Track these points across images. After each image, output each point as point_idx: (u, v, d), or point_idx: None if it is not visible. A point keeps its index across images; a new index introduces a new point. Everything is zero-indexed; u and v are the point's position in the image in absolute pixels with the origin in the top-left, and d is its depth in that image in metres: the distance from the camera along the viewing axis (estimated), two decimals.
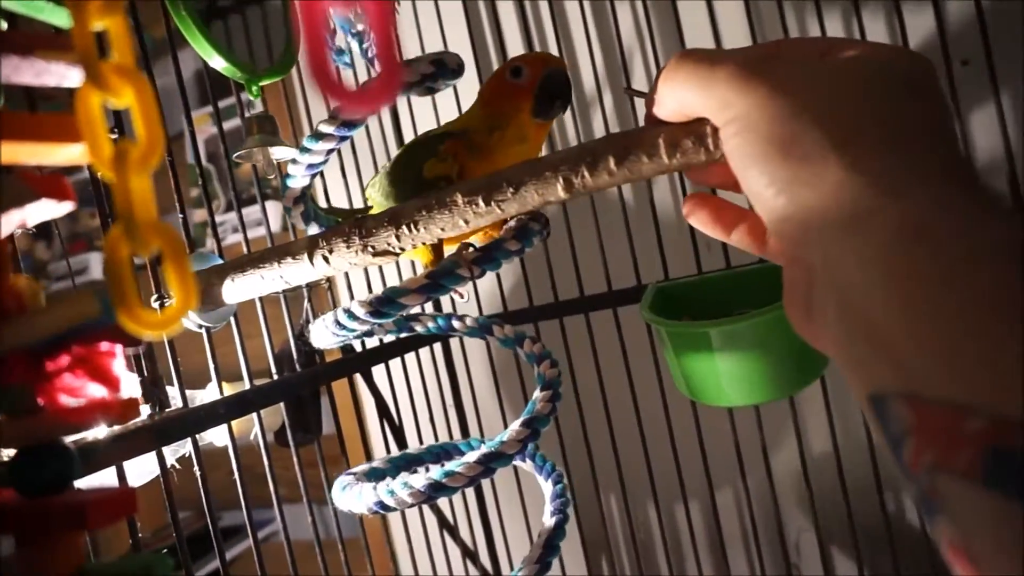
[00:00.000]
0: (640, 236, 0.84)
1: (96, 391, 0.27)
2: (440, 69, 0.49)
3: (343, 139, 0.48)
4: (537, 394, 0.54)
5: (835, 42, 0.31)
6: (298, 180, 0.52)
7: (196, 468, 0.54)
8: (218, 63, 0.46)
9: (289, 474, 0.68)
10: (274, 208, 1.24)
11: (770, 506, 0.85)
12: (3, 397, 0.27)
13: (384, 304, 0.48)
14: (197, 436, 0.54)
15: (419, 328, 0.67)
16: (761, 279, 0.76)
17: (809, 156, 0.27)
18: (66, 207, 0.27)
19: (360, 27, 0.49)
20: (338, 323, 0.51)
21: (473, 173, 0.51)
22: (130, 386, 0.28)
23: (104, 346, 0.27)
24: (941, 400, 0.20)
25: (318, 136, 0.47)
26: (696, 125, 0.41)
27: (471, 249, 0.49)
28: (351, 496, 0.56)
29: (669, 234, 0.83)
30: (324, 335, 0.54)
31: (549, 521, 0.61)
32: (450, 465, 0.53)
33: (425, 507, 0.95)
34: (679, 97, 0.35)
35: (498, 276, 0.93)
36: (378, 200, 0.56)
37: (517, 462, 0.70)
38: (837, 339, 0.26)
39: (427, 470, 0.62)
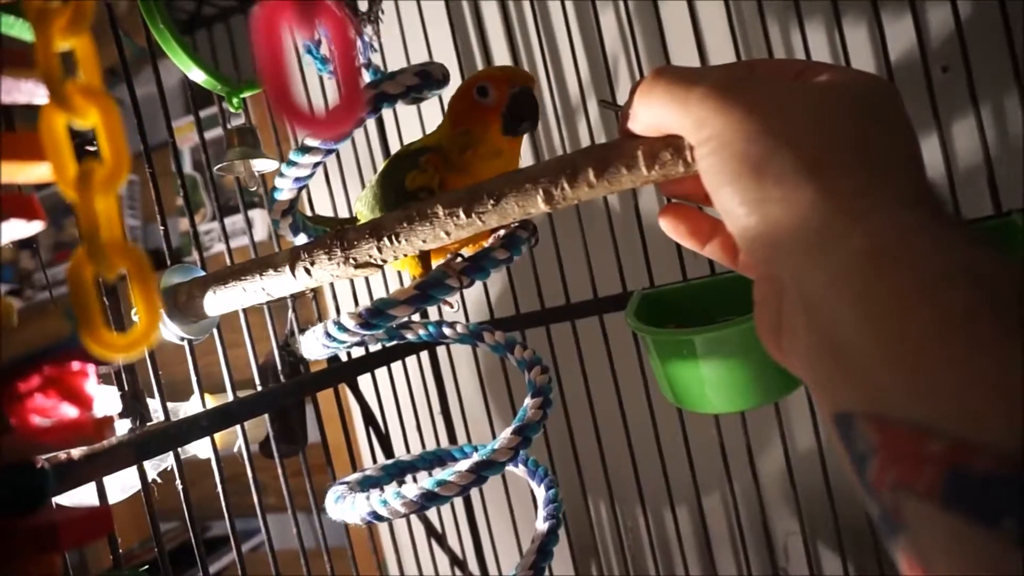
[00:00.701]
0: (625, 243, 0.84)
1: (68, 411, 0.27)
2: (425, 80, 0.49)
3: (329, 152, 0.48)
4: (528, 401, 0.54)
5: (809, 65, 0.32)
6: (285, 193, 0.52)
7: (178, 482, 0.53)
8: (197, 76, 0.46)
9: (276, 483, 0.67)
10: (259, 217, 1.24)
11: (757, 509, 0.86)
12: None
13: (374, 316, 0.48)
14: (180, 449, 0.54)
15: (411, 336, 0.67)
16: (745, 287, 0.76)
17: (781, 176, 0.27)
18: (36, 226, 0.27)
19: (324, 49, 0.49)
20: (328, 335, 0.51)
21: (454, 185, 0.51)
22: (104, 405, 0.28)
23: (75, 366, 0.27)
24: (905, 421, 0.21)
25: (304, 149, 0.47)
26: (674, 138, 0.41)
27: (459, 259, 0.49)
28: (344, 506, 0.56)
29: (654, 241, 0.83)
30: (315, 347, 0.54)
31: (542, 526, 0.60)
32: (442, 474, 0.53)
33: (413, 515, 0.95)
34: (654, 114, 0.35)
35: (485, 284, 0.93)
36: (365, 213, 0.56)
37: (510, 467, 0.70)
38: (805, 357, 0.26)
39: (415, 480, 0.62)
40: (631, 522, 0.99)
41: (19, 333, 0.27)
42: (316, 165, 0.50)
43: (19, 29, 0.30)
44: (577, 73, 0.89)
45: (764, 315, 0.31)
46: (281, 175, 0.49)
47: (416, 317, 0.98)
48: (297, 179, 0.51)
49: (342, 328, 0.50)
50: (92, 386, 0.28)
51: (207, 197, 1.48)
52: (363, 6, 0.60)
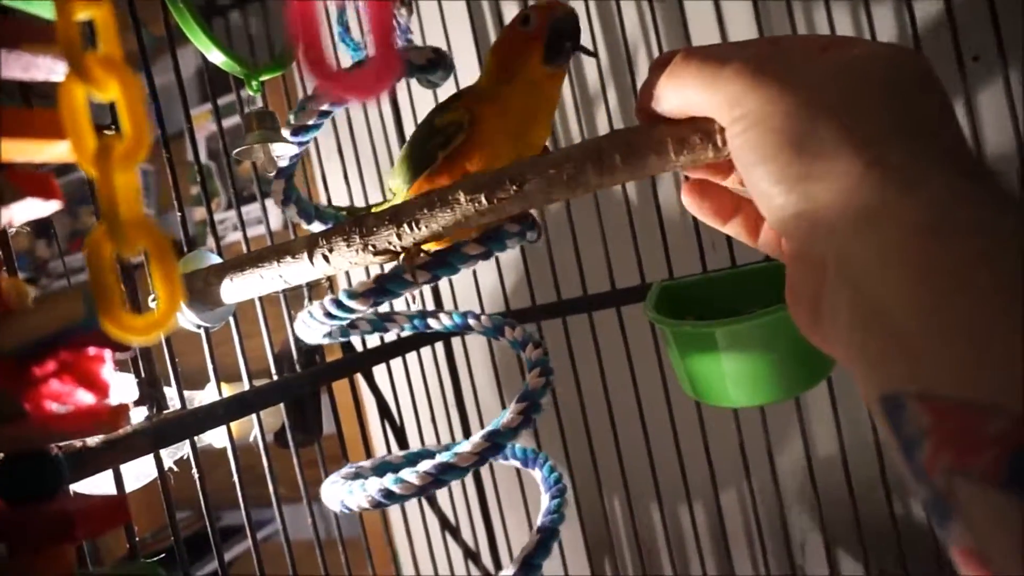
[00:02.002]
0: (644, 234, 0.83)
1: (84, 397, 0.26)
2: (441, 58, 0.50)
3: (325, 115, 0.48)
4: (512, 405, 0.52)
5: (834, 39, 0.31)
6: (284, 161, 0.51)
7: (195, 471, 0.53)
8: (216, 57, 0.45)
9: (290, 473, 0.67)
10: (275, 206, 1.22)
11: (775, 507, 0.84)
12: None
13: (337, 307, 0.48)
14: (196, 438, 0.53)
15: (435, 325, 0.66)
16: (767, 278, 0.75)
17: (822, 151, 0.26)
18: (53, 206, 0.26)
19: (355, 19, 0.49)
20: (305, 324, 0.52)
21: (486, 120, 0.50)
22: (120, 392, 0.27)
23: (92, 351, 0.26)
24: (961, 399, 0.20)
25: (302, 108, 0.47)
26: (703, 122, 0.40)
27: (423, 254, 0.48)
28: (332, 493, 0.56)
29: (674, 232, 0.82)
30: (304, 331, 0.54)
31: (533, 538, 0.58)
32: (444, 455, 0.52)
33: (427, 507, 0.94)
34: (684, 95, 0.34)
35: (500, 274, 0.92)
36: (397, 179, 0.55)
37: (524, 467, 0.69)
38: (848, 338, 0.25)
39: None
40: (646, 518, 0.98)
41: (33, 316, 0.26)
42: (301, 145, 0.50)
43: (36, 4, 0.29)
44: (598, 64, 0.88)
45: (800, 297, 0.30)
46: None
47: (431, 306, 0.98)
48: (292, 156, 0.51)
49: (312, 316, 0.51)
50: (108, 372, 0.27)
51: (221, 186, 1.48)
52: None
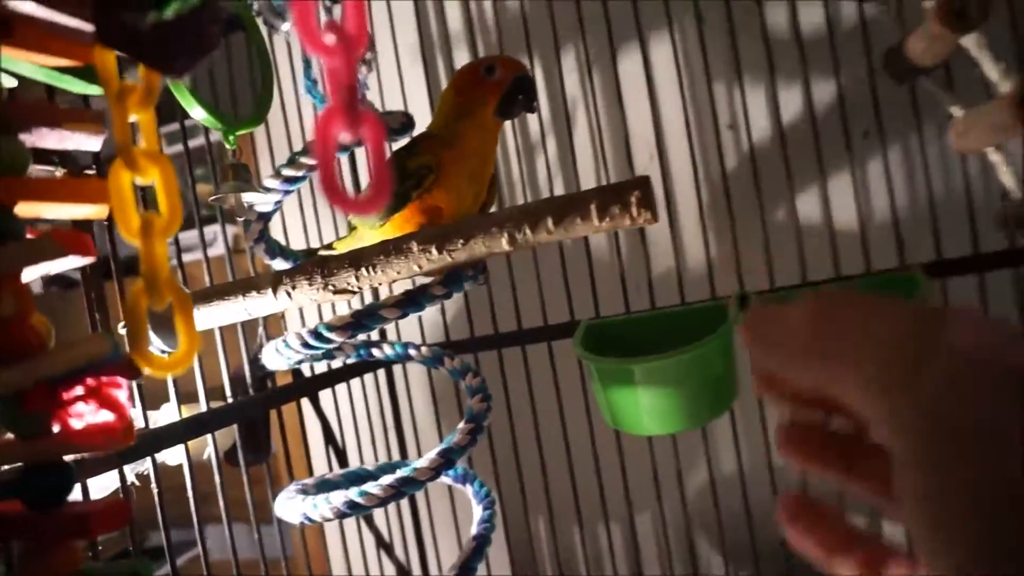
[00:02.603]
0: (575, 275, 0.91)
1: (104, 417, 0.32)
2: (410, 123, 0.58)
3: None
4: (460, 425, 0.59)
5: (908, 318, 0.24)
6: (261, 217, 0.57)
7: (154, 486, 0.57)
8: (198, 114, 0.51)
9: (234, 492, 0.71)
10: (232, 229, 1.26)
11: (686, 528, 0.93)
12: (22, 422, 0.31)
13: (314, 337, 0.54)
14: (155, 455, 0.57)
15: (378, 354, 0.72)
16: (683, 320, 0.84)
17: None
18: (88, 260, 0.32)
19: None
20: (277, 351, 0.57)
21: (449, 163, 0.58)
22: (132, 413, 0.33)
23: (111, 379, 0.32)
24: None
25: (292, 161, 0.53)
26: (623, 192, 0.48)
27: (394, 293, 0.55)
28: (287, 507, 0.60)
29: (601, 274, 0.91)
30: (273, 359, 0.59)
31: (469, 544, 0.64)
32: (365, 486, 0.57)
33: (363, 525, 0.99)
34: (813, 377, 0.26)
35: (443, 307, 0.98)
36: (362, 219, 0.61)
37: (457, 484, 0.75)
38: None
39: None
40: (568, 540, 1.05)
41: (66, 352, 0.31)
42: (287, 193, 0.56)
43: (74, 85, 0.35)
44: (539, 117, 0.96)
45: None
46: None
47: (375, 335, 1.03)
48: (276, 201, 0.57)
49: (288, 346, 0.56)
50: (124, 396, 0.33)
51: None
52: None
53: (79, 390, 0.31)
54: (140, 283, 0.28)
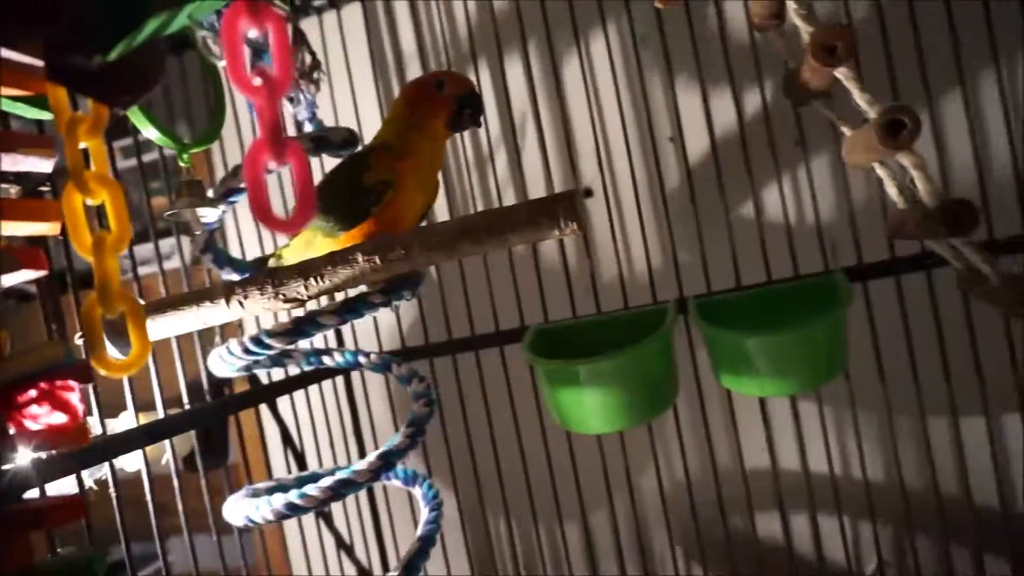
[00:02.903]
0: (524, 283, 0.95)
1: (57, 419, 0.35)
2: (354, 138, 0.64)
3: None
4: (402, 428, 0.61)
5: None
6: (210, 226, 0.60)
7: (112, 490, 0.59)
8: (152, 134, 0.54)
9: (193, 504, 0.72)
10: (188, 243, 1.27)
11: (634, 525, 0.97)
12: None
13: (255, 344, 0.57)
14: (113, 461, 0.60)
15: (329, 361, 0.74)
16: (626, 323, 0.88)
17: None
18: (40, 274, 0.35)
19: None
20: (221, 358, 0.60)
21: (402, 176, 0.61)
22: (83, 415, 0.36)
23: (63, 383, 0.35)
24: None
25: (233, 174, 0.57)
26: (551, 205, 0.52)
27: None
28: (234, 509, 0.62)
29: (550, 281, 0.95)
30: (218, 365, 0.61)
31: (414, 544, 0.67)
32: (305, 488, 0.59)
33: (324, 528, 1.01)
34: None
35: (397, 314, 1.02)
36: (322, 225, 0.63)
37: (406, 487, 0.78)
38: None
39: None
40: (526, 537, 1.08)
41: (21, 358, 0.34)
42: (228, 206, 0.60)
43: (27, 111, 0.38)
44: (487, 130, 1.00)
45: None
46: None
47: (333, 342, 1.06)
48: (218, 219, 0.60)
49: (231, 352, 0.59)
50: (76, 399, 0.36)
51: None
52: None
53: (32, 393, 0.34)
54: (94, 295, 0.31)
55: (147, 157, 0.99)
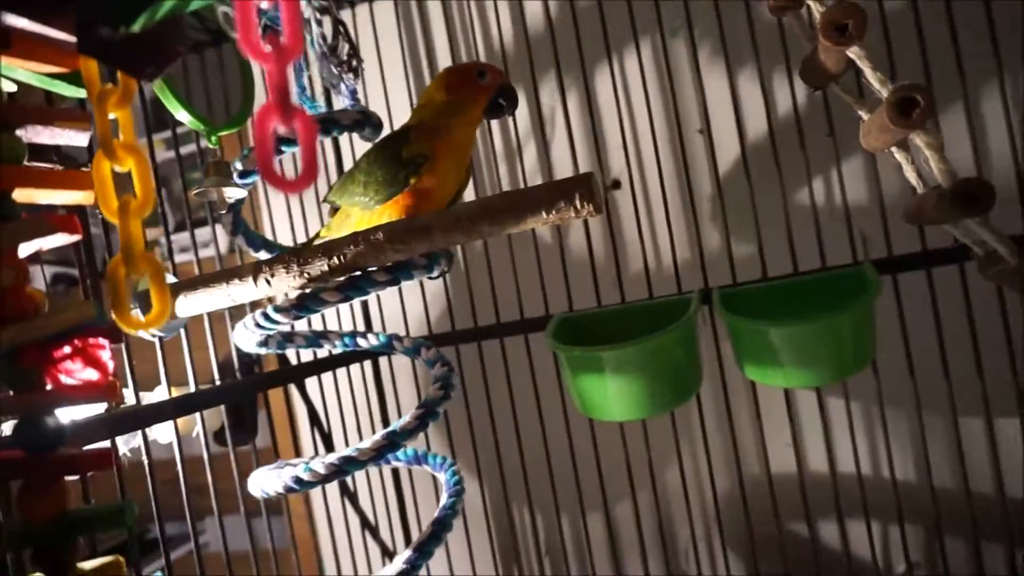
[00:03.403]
0: (549, 272, 0.96)
1: (90, 374, 0.37)
2: (367, 118, 0.66)
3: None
4: (412, 410, 0.62)
5: None
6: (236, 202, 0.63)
7: (144, 458, 0.62)
8: (184, 117, 0.56)
9: (223, 485, 0.74)
10: (223, 231, 1.32)
11: (666, 516, 0.97)
12: (18, 376, 0.36)
13: (264, 319, 0.58)
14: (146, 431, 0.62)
15: (364, 344, 0.76)
16: (649, 313, 0.88)
17: None
18: (75, 238, 0.37)
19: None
20: (244, 327, 0.61)
21: (441, 152, 0.63)
22: (114, 373, 0.38)
23: (96, 340, 0.37)
24: None
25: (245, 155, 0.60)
26: (569, 186, 0.53)
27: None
28: (257, 481, 0.64)
29: (574, 271, 0.95)
30: (241, 335, 0.63)
31: (429, 526, 0.68)
32: (310, 463, 0.61)
33: (349, 509, 1.04)
34: None
35: (425, 302, 1.03)
36: (352, 193, 0.65)
37: (433, 471, 0.79)
38: None
39: None
40: (548, 524, 1.09)
41: (55, 316, 0.36)
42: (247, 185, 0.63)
43: (63, 88, 0.40)
44: (516, 124, 1.02)
45: None
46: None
47: (360, 327, 1.08)
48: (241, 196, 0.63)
49: (245, 327, 0.61)
50: (107, 356, 0.38)
51: (169, 210, 1.56)
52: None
53: (67, 349, 0.36)
54: (119, 255, 0.33)
55: (185, 150, 1.03)
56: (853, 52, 0.41)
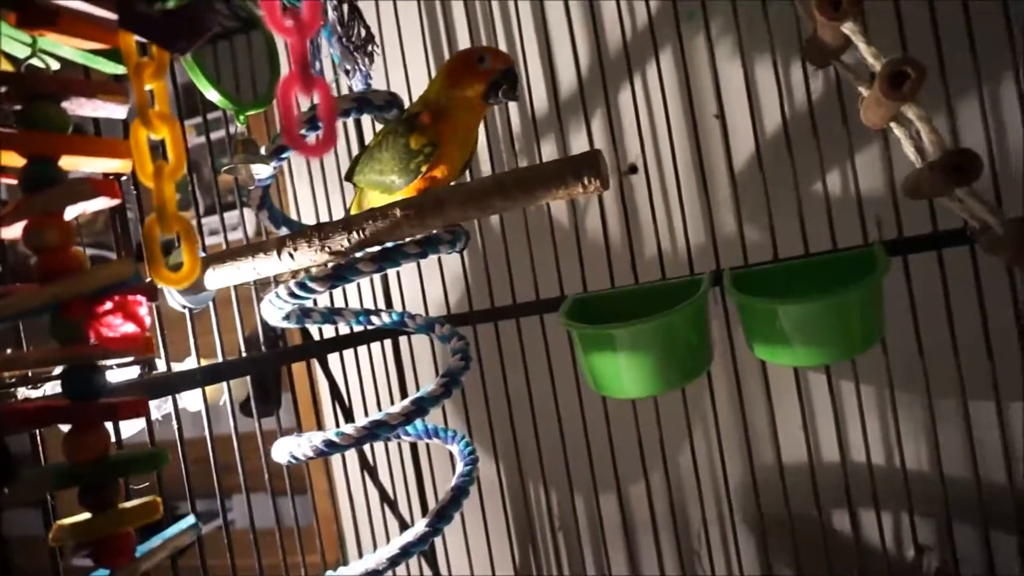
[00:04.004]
0: (564, 254, 0.98)
1: (128, 328, 0.40)
2: (396, 100, 0.70)
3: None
4: (437, 379, 0.66)
5: None
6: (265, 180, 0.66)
7: (174, 423, 0.65)
8: (213, 96, 0.59)
9: (248, 464, 0.77)
10: (251, 214, 1.36)
11: (677, 497, 0.99)
12: (64, 329, 0.39)
13: (300, 288, 0.61)
14: (177, 397, 0.66)
15: (377, 321, 0.79)
16: (661, 293, 0.90)
17: None
18: (115, 202, 0.40)
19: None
20: (270, 302, 0.65)
21: (445, 137, 0.66)
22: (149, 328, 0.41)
23: (134, 297, 0.40)
24: None
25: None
26: (576, 163, 0.55)
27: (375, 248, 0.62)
28: (280, 448, 0.68)
29: (589, 252, 0.97)
30: (268, 310, 0.66)
31: (447, 491, 0.71)
32: (342, 427, 0.64)
33: (369, 484, 1.07)
34: None
35: (443, 283, 1.06)
36: (371, 179, 0.69)
37: (445, 444, 0.82)
38: None
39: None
40: (563, 503, 1.11)
41: (98, 272, 0.40)
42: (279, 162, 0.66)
43: (103, 64, 0.43)
44: (533, 110, 1.04)
45: None
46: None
47: (382, 304, 1.11)
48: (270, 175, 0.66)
49: (278, 296, 0.64)
50: (144, 312, 0.41)
51: (200, 194, 1.62)
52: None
53: (108, 305, 0.40)
54: (153, 216, 0.36)
55: (215, 135, 1.06)
56: (847, 28, 0.42)
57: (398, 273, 1.11)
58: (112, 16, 0.36)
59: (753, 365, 0.92)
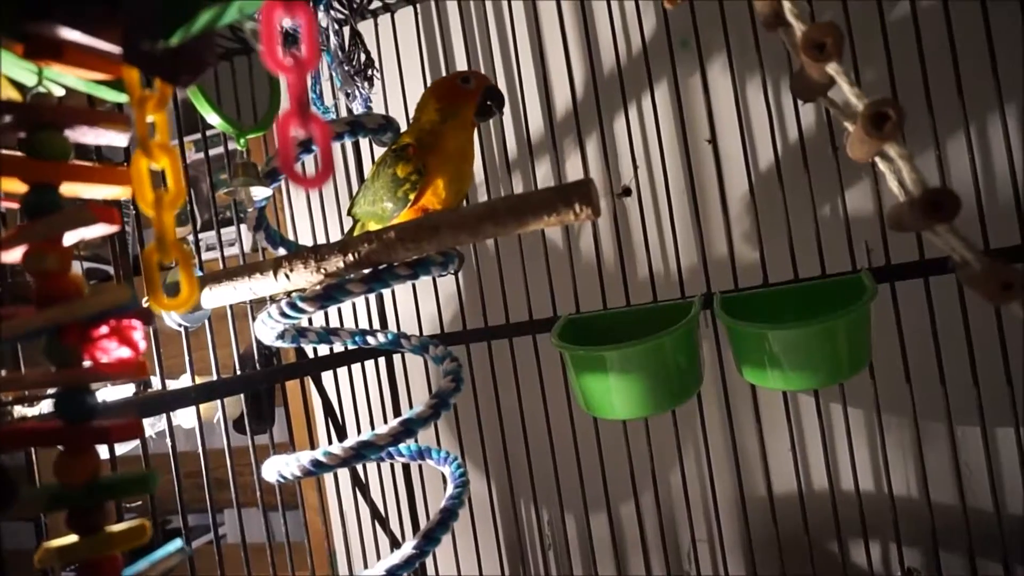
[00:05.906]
0: (558, 275, 0.99)
1: (123, 352, 0.41)
2: (389, 123, 0.71)
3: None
4: (426, 399, 0.66)
5: None
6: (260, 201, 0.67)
7: (168, 440, 0.66)
8: (214, 120, 0.60)
9: (241, 479, 0.78)
10: (247, 231, 1.38)
11: (666, 516, 0.99)
12: (60, 352, 0.40)
13: (291, 308, 0.62)
14: (171, 415, 0.67)
15: (372, 341, 0.80)
16: (652, 316, 0.91)
17: None
18: (114, 229, 0.41)
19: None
20: (263, 322, 0.66)
21: (433, 164, 0.68)
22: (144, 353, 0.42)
23: (129, 322, 0.41)
24: None
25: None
26: (567, 191, 0.56)
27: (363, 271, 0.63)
28: (271, 467, 0.68)
29: (583, 275, 0.98)
30: (262, 329, 0.67)
31: (439, 509, 0.72)
32: (327, 447, 0.65)
33: (361, 502, 1.07)
34: None
35: (438, 302, 1.07)
36: (365, 210, 0.71)
37: (437, 465, 0.82)
38: None
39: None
40: (554, 522, 1.12)
41: (94, 298, 0.40)
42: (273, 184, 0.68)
43: (106, 93, 0.44)
44: (528, 133, 1.05)
45: None
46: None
47: (376, 326, 1.11)
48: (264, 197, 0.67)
49: (270, 316, 0.65)
50: (139, 337, 0.42)
51: (197, 211, 1.62)
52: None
53: (104, 329, 0.40)
54: (153, 243, 0.37)
55: (213, 152, 1.07)
56: (832, 68, 0.44)
57: (392, 292, 1.12)
58: (116, 49, 0.37)
59: (743, 387, 0.93)
